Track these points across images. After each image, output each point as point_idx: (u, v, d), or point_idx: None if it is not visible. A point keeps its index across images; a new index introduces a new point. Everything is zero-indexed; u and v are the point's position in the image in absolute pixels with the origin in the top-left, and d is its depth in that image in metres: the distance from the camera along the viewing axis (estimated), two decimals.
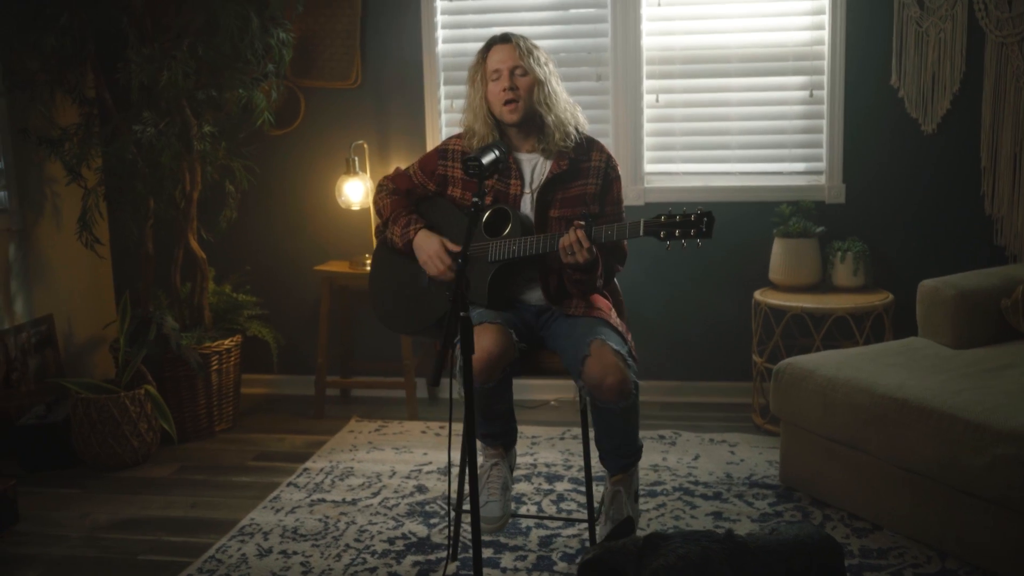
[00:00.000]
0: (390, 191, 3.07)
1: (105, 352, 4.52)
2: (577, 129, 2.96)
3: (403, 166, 3.18)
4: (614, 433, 2.80)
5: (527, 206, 2.92)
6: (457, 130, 3.65)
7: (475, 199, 2.46)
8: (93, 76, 4.05)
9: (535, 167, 2.96)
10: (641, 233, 2.63)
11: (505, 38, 2.93)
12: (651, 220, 2.62)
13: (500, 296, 2.88)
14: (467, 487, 2.98)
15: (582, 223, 2.67)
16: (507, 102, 2.89)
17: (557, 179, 2.91)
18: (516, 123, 2.92)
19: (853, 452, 3.15)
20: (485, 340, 2.63)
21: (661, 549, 2.50)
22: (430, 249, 2.89)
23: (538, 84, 2.90)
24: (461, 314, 2.32)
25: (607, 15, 4.25)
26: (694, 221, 2.58)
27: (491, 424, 2.82)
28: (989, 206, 4.09)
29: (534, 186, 2.93)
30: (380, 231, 3.07)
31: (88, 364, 4.53)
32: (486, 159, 2.58)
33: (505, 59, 2.90)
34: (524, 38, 2.95)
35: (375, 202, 3.11)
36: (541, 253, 2.78)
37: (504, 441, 2.89)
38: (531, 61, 2.89)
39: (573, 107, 2.98)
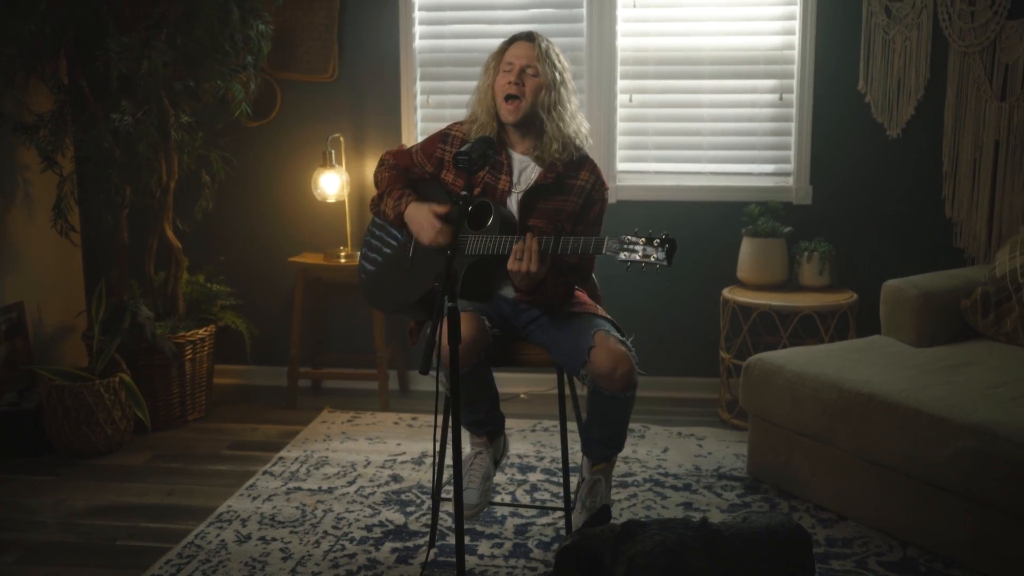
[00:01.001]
0: (390, 166, 3.10)
1: (75, 340, 4.50)
2: (578, 145, 2.97)
3: (407, 146, 3.22)
4: (609, 422, 2.85)
5: (512, 205, 2.96)
6: (432, 124, 3.71)
7: (464, 192, 2.51)
8: (69, 64, 4.04)
9: (525, 169, 2.98)
10: (603, 251, 2.65)
11: (528, 36, 2.94)
12: (614, 240, 2.64)
13: (474, 288, 2.92)
14: (447, 475, 3.04)
15: (538, 237, 2.69)
16: (508, 98, 2.89)
17: (542, 189, 2.93)
18: (513, 124, 2.93)
19: (820, 445, 3.26)
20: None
21: (638, 536, 2.57)
22: (420, 218, 2.91)
23: (546, 88, 2.90)
24: (449, 304, 2.38)
25: (583, 15, 4.33)
26: (656, 246, 2.59)
27: (473, 411, 2.88)
28: (950, 209, 4.23)
29: (520, 188, 2.97)
30: (375, 204, 3.09)
31: (58, 352, 4.51)
32: (475, 154, 2.62)
33: (521, 55, 2.91)
34: (550, 42, 2.95)
35: (374, 175, 3.13)
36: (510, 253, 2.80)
37: (489, 429, 2.94)
38: (546, 65, 2.89)
39: (580, 122, 2.98)
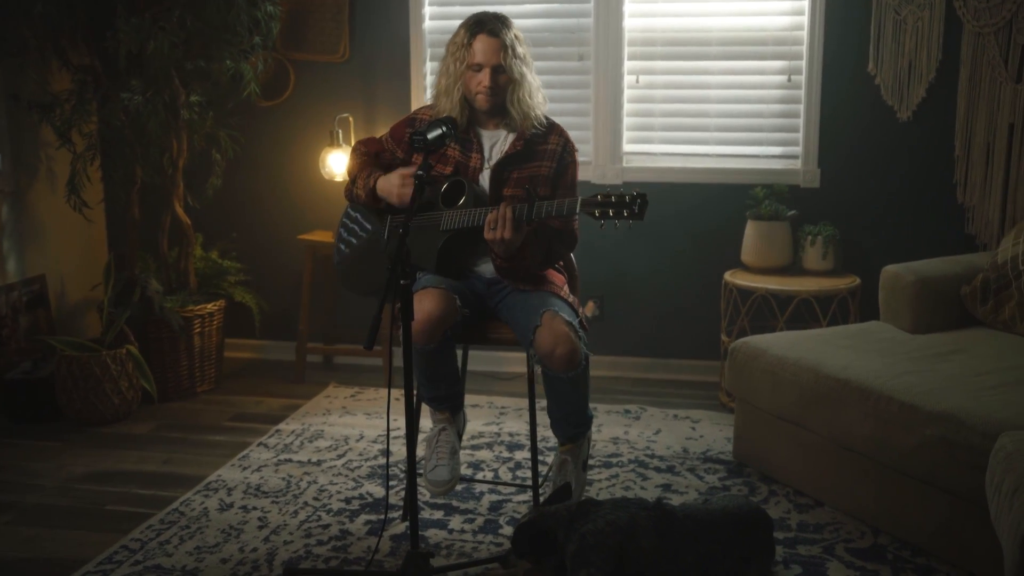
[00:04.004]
0: (360, 153, 3.19)
1: (95, 312, 4.65)
2: (542, 117, 3.04)
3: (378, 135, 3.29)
4: (564, 402, 2.90)
5: (485, 180, 3.01)
6: None
7: (419, 172, 2.55)
8: (85, 44, 4.16)
9: (496, 143, 3.05)
10: (577, 210, 2.71)
11: (493, 31, 2.96)
12: (587, 199, 2.70)
13: (449, 264, 2.98)
14: (418, 452, 3.09)
15: (511, 206, 2.76)
16: (482, 94, 2.97)
17: (513, 158, 2.99)
18: (486, 111, 3.01)
19: (799, 430, 3.23)
20: (427, 303, 2.74)
21: (591, 514, 2.61)
22: (392, 184, 2.99)
23: (514, 83, 2.97)
24: (401, 282, 2.43)
25: None
26: (628, 202, 2.65)
27: (435, 387, 2.92)
28: (961, 194, 4.13)
29: (492, 163, 3.02)
30: (348, 190, 3.16)
31: (80, 324, 4.68)
32: (431, 135, 2.67)
33: (490, 56, 2.94)
34: (510, 29, 2.98)
35: (348, 165, 3.22)
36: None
37: (450, 405, 2.98)
38: (513, 61, 2.95)
39: (543, 96, 3.05)
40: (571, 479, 2.88)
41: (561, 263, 3.16)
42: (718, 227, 4.34)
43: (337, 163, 4.37)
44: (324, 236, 4.51)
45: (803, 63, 4.20)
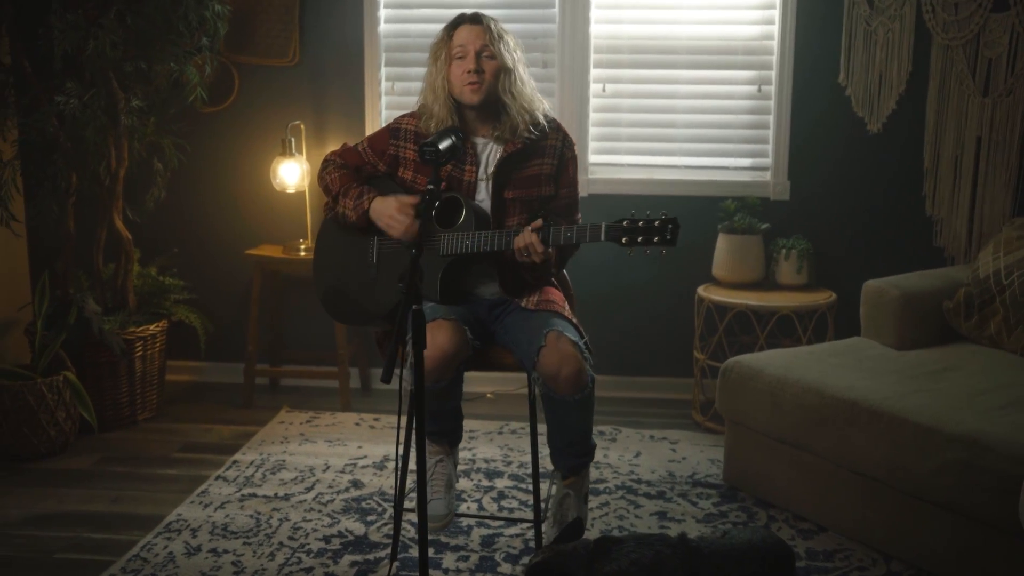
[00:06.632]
0: (338, 165, 2.92)
1: (19, 336, 4.26)
2: (544, 115, 2.86)
3: (351, 142, 3.02)
4: (568, 429, 2.72)
5: (483, 193, 2.81)
6: (397, 112, 3.55)
7: (430, 186, 2.34)
8: (9, 42, 3.81)
9: (490, 151, 2.85)
10: (602, 238, 2.53)
11: (475, 18, 2.79)
12: (613, 224, 2.53)
13: (452, 291, 2.77)
14: (409, 484, 2.88)
15: (539, 226, 2.58)
16: (470, 83, 2.75)
17: (512, 159, 2.80)
18: (476, 105, 2.78)
19: (800, 452, 3.12)
20: (440, 337, 2.52)
21: (613, 553, 2.43)
22: (388, 210, 2.75)
23: (504, 71, 2.77)
24: (414, 307, 2.21)
25: (555, 0, 4.15)
26: (658, 228, 2.49)
27: (440, 422, 2.72)
28: (930, 207, 4.11)
29: (490, 171, 2.82)
30: (329, 208, 2.91)
31: (1, 348, 4.27)
32: (443, 145, 2.46)
33: (473, 39, 2.76)
34: (495, 20, 2.82)
35: (320, 178, 2.94)
36: (494, 251, 2.67)
37: (450, 439, 2.78)
38: (500, 46, 2.76)
39: (541, 100, 2.88)
40: (579, 514, 2.71)
41: (555, 282, 2.98)
42: (686, 241, 4.14)
43: (290, 173, 4.10)
44: (273, 251, 4.23)
45: (773, 73, 4.12)
